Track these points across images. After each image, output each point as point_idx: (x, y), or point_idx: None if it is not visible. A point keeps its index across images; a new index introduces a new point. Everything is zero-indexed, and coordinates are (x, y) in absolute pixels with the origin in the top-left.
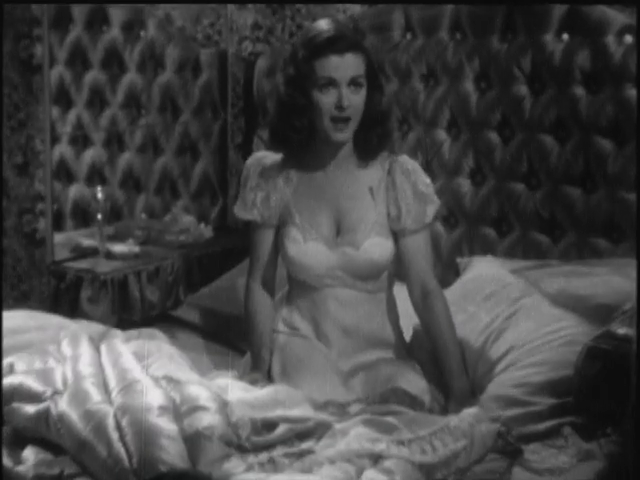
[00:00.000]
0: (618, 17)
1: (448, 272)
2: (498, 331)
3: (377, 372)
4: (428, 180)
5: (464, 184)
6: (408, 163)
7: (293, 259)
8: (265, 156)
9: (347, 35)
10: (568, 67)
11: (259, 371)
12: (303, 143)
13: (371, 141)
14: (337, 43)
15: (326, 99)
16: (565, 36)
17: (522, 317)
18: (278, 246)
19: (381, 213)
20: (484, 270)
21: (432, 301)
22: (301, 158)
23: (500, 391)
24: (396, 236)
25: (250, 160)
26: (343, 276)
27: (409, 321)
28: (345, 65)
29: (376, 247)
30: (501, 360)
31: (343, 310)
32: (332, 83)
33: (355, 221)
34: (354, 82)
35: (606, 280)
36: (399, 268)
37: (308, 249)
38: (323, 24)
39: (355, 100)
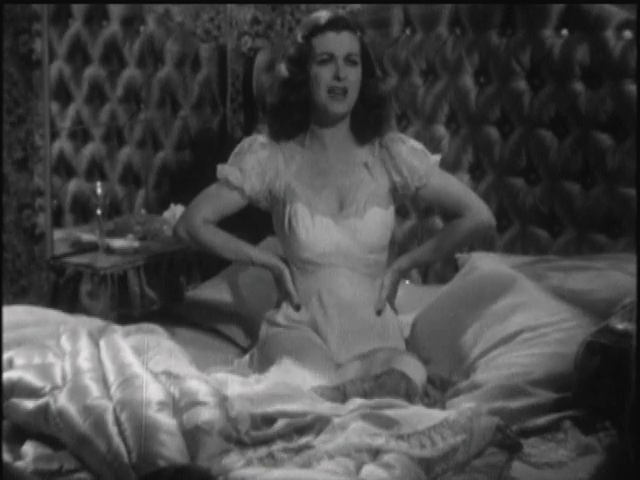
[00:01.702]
0: (617, 12)
1: (447, 268)
2: (503, 316)
3: (373, 357)
4: (419, 144)
5: (463, 179)
6: (395, 133)
7: (301, 234)
8: (263, 137)
9: (343, 17)
10: (567, 62)
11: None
12: (299, 121)
13: (368, 124)
14: (334, 22)
15: (324, 72)
16: (564, 31)
17: (526, 307)
18: (280, 226)
19: (380, 185)
20: (483, 265)
21: (465, 216)
22: (301, 140)
23: (503, 380)
24: (414, 197)
25: (249, 138)
26: (348, 251)
27: (409, 317)
28: (342, 41)
29: (378, 216)
30: (509, 340)
31: (345, 291)
32: (330, 58)
33: (356, 195)
34: (350, 59)
35: (605, 275)
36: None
37: (316, 223)
38: (322, 12)
39: (351, 74)
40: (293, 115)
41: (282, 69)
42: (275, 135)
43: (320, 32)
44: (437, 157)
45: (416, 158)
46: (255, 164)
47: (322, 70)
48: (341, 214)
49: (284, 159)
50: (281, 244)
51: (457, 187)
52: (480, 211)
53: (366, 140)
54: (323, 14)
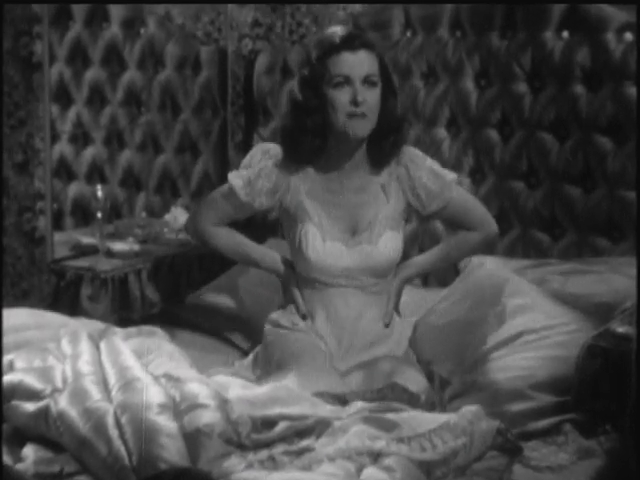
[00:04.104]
0: (618, 14)
1: (448, 271)
2: (504, 318)
3: (375, 368)
4: (436, 163)
5: (464, 182)
6: (413, 151)
7: (310, 258)
8: (276, 148)
9: (360, 34)
10: (568, 65)
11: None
12: (317, 146)
13: (385, 149)
14: (350, 41)
15: (341, 97)
16: (565, 33)
17: (526, 310)
18: (291, 239)
19: (395, 207)
20: (484, 269)
21: (476, 230)
22: (316, 160)
23: (504, 383)
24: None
25: (262, 146)
26: (358, 276)
27: (411, 320)
28: (359, 62)
29: (391, 241)
30: (510, 342)
31: (352, 310)
32: (346, 81)
33: (370, 219)
34: (368, 80)
35: (606, 279)
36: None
37: (327, 249)
38: (335, 28)
39: (370, 97)
40: (311, 140)
41: (295, 91)
42: (292, 160)
43: (335, 52)
44: (454, 176)
45: (434, 182)
46: (265, 180)
47: (338, 94)
48: (353, 239)
49: (297, 173)
50: (291, 254)
51: (470, 205)
52: (490, 225)
53: (382, 165)
54: (337, 31)
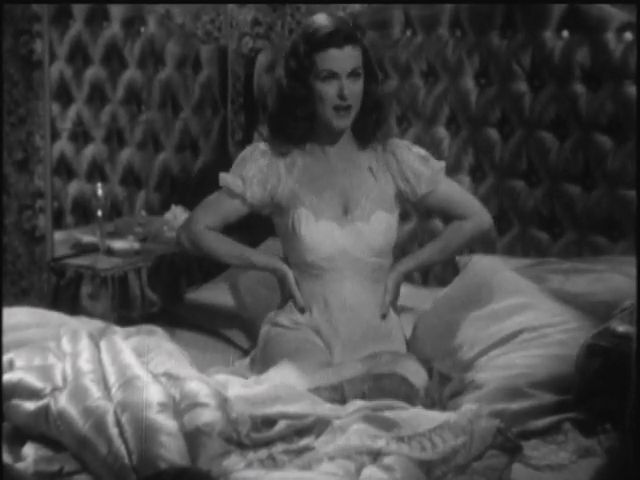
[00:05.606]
0: (618, 14)
1: (447, 270)
2: (504, 315)
3: (375, 360)
4: (422, 149)
5: (464, 181)
6: (401, 140)
7: (305, 238)
8: (265, 145)
9: (345, 29)
10: (568, 64)
11: (278, 269)
12: (304, 131)
13: (368, 127)
14: (336, 37)
15: (328, 89)
16: (565, 33)
17: (526, 308)
18: (283, 231)
19: (384, 190)
20: (484, 268)
21: (468, 220)
22: (303, 145)
23: (504, 381)
24: (418, 205)
25: (252, 145)
26: (353, 255)
27: (411, 318)
28: (345, 58)
29: (383, 220)
30: (510, 340)
31: (350, 295)
32: (333, 75)
33: (361, 198)
34: (353, 73)
35: (606, 278)
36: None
37: (320, 227)
38: (321, 19)
39: (354, 89)
40: (299, 126)
41: (283, 81)
42: (280, 141)
43: (322, 49)
44: (442, 163)
45: (422, 165)
46: (256, 172)
47: (326, 87)
48: (346, 218)
49: (285, 165)
50: (285, 249)
51: (460, 193)
52: (482, 215)
53: (367, 142)
54: (323, 23)
